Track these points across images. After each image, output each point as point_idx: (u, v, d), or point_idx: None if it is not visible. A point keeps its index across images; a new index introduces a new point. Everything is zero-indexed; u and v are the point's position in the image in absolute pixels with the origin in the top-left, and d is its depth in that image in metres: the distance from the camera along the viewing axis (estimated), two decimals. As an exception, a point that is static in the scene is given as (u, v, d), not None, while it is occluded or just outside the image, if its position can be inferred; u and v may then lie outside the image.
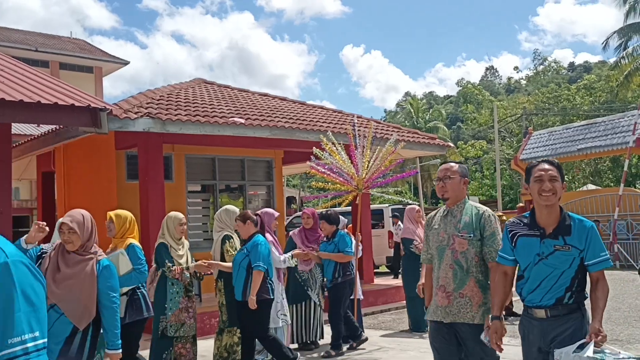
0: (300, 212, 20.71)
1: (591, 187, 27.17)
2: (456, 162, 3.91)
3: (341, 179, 7.43)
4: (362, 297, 7.84)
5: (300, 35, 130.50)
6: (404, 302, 8.74)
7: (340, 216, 7.50)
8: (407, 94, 71.34)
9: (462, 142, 45.23)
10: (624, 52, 32.22)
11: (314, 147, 7.48)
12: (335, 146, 7.42)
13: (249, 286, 5.57)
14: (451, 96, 70.28)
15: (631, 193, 18.10)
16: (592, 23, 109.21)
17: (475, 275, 3.71)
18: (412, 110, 46.97)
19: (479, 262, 3.75)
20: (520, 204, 22.33)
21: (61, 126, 8.69)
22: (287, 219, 17.70)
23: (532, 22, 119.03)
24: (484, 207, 3.93)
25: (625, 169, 18.08)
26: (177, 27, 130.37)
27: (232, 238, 6.17)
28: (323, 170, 7.42)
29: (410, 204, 8.88)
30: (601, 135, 18.68)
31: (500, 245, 3.54)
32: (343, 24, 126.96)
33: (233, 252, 5.96)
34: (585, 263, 3.11)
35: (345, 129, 9.69)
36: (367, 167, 7.44)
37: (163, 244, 5.78)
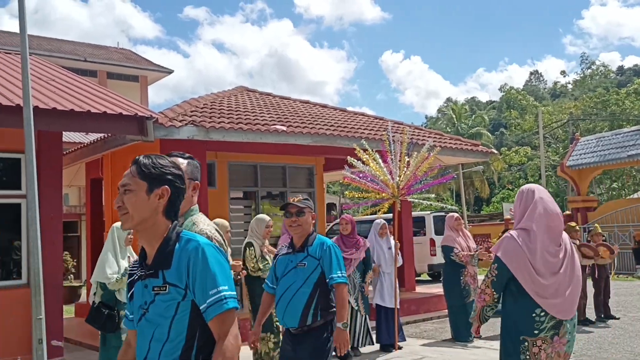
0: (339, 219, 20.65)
1: (642, 194, 26.35)
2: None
3: (377, 186, 7.44)
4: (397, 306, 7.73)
5: (339, 41, 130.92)
6: (446, 311, 8.63)
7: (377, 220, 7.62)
8: (448, 99, 70.60)
9: (506, 148, 44.43)
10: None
11: (348, 157, 7.50)
12: (367, 154, 7.45)
13: None
14: (494, 102, 69.17)
15: (684, 201, 17.44)
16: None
17: None
18: (453, 116, 46.43)
19: None
20: (567, 212, 21.78)
21: (109, 134, 8.94)
22: (328, 225, 17.72)
23: (576, 25, 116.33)
24: None
25: (678, 176, 17.42)
26: (218, 36, 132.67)
27: (253, 245, 6.26)
28: (357, 178, 7.43)
29: (451, 211, 8.80)
30: (652, 141, 18.09)
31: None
32: (382, 29, 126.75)
33: (252, 260, 6.06)
34: None
35: (383, 135, 9.68)
36: (403, 173, 7.42)
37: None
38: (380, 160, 7.45)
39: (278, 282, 3.91)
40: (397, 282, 7.76)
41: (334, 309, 3.84)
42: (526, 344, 3.24)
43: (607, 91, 40.42)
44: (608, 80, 53.86)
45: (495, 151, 14.29)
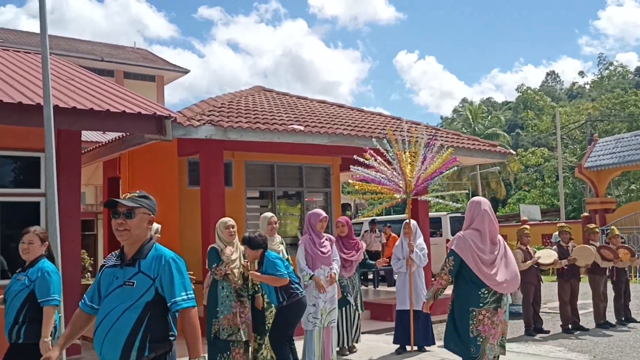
0: (355, 219, 20.57)
1: (660, 196, 25.96)
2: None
3: (387, 185, 7.41)
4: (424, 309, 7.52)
5: (354, 42, 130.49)
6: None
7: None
8: (464, 100, 70.17)
9: (522, 149, 44.06)
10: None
11: (354, 156, 7.47)
12: (379, 154, 7.43)
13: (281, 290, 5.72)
14: (509, 102, 68.62)
15: None
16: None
17: None
18: (470, 117, 46.14)
19: None
20: (585, 214, 21.53)
21: (127, 133, 8.98)
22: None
23: (592, 25, 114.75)
24: None
25: (700, 177, 17.14)
26: (233, 36, 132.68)
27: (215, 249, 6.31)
28: (366, 173, 7.39)
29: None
30: (673, 143, 17.81)
31: None
32: (397, 30, 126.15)
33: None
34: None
35: (399, 134, 9.60)
36: (413, 172, 7.38)
37: (214, 248, 5.98)
38: (391, 160, 7.44)
39: (101, 302, 3.04)
40: (412, 285, 7.59)
41: (172, 339, 3.02)
42: (474, 313, 4.55)
43: (626, 92, 39.91)
44: (626, 81, 53.18)
45: (513, 152, 14.14)
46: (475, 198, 4.91)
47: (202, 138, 8.28)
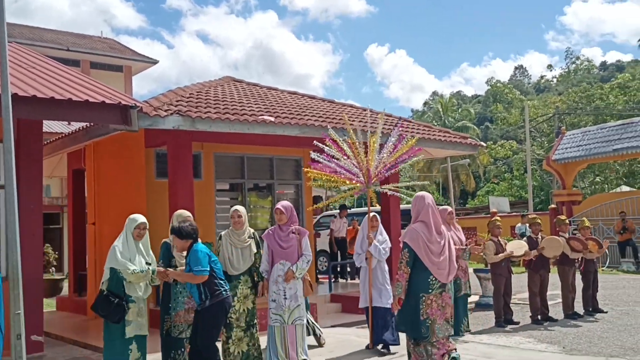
0: (326, 212, 20.45)
1: (625, 188, 26.48)
2: None
3: (343, 174, 7.09)
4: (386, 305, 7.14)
5: (325, 34, 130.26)
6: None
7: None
8: (434, 93, 70.66)
9: (491, 142, 44.58)
10: (661, 50, 31.31)
11: (315, 141, 7.27)
12: (334, 142, 7.10)
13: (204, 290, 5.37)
14: (479, 96, 69.35)
15: (669, 195, 17.54)
16: (621, 22, 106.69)
17: None
18: (440, 110, 46.46)
19: None
20: (552, 206, 21.85)
21: (92, 124, 8.70)
22: (315, 218, 17.58)
23: (558, 21, 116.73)
24: None
25: (663, 170, 17.51)
26: (202, 27, 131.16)
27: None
28: (326, 161, 7.09)
29: (442, 206, 8.64)
30: (638, 136, 18.15)
31: None
32: (367, 23, 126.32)
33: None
34: None
35: (357, 123, 9.52)
36: (371, 162, 7.06)
37: (165, 243, 5.82)
38: (347, 149, 7.09)
39: None
40: (370, 282, 7.18)
41: None
42: (424, 298, 5.15)
43: (591, 86, 40.64)
44: (591, 76, 54.16)
45: (483, 144, 14.20)
46: (419, 193, 5.42)
47: (170, 129, 8.06)
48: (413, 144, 7.23)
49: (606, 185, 32.69)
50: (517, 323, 8.76)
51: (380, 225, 7.47)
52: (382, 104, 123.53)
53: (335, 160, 7.10)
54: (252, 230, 6.54)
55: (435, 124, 43.31)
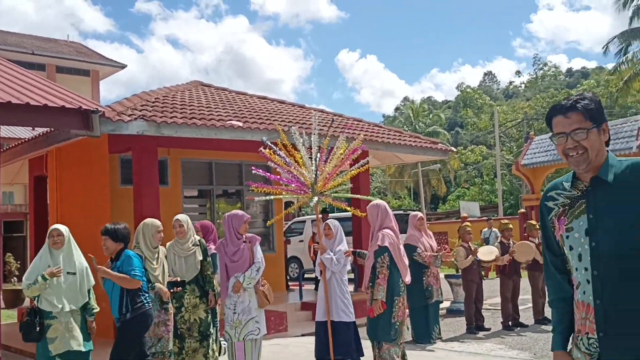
0: (298, 218, 20.30)
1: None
2: None
3: (288, 187, 6.29)
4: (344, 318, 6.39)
5: (296, 39, 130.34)
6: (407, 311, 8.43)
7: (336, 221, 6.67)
8: (405, 98, 71.15)
9: (462, 147, 45.03)
10: (624, 58, 32.06)
11: (263, 137, 6.47)
12: (280, 149, 6.09)
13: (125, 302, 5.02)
14: (449, 101, 70.09)
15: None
16: (585, 29, 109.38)
17: None
18: (411, 115, 46.74)
19: None
20: (522, 210, 22.06)
21: (52, 129, 8.40)
22: (286, 224, 17.41)
23: (525, 28, 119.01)
24: None
25: (629, 174, 17.83)
26: (172, 31, 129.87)
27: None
28: (277, 166, 6.10)
29: (413, 212, 8.56)
30: (604, 141, 18.44)
31: None
32: (339, 28, 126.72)
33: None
34: None
35: (344, 132, 9.35)
36: (316, 169, 6.01)
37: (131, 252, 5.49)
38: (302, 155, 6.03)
39: None
40: (327, 293, 6.34)
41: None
42: (396, 300, 5.56)
43: (559, 92, 41.36)
44: (558, 82, 55.21)
45: (453, 149, 14.25)
46: (376, 202, 5.74)
47: (134, 134, 7.82)
48: (358, 145, 6.15)
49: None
50: (489, 329, 8.73)
51: (341, 234, 6.60)
52: (354, 109, 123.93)
53: (283, 168, 6.15)
54: (197, 238, 6.32)
55: (406, 129, 43.53)
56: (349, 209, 6.31)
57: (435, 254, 7.95)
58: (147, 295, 5.10)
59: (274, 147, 6.07)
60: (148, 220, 5.97)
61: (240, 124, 8.97)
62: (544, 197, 2.34)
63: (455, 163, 41.77)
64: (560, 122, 2.21)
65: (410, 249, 7.96)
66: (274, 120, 9.95)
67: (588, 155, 2.15)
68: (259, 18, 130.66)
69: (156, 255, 5.67)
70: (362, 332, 6.28)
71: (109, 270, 4.97)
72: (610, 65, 35.74)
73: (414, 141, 12.06)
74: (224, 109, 9.98)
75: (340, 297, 6.37)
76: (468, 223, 10.04)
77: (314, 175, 5.95)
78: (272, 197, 6.14)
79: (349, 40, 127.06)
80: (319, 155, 5.98)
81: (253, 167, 6.43)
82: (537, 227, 9.52)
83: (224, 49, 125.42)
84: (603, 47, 34.36)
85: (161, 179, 9.26)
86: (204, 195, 11.26)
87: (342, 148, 6.05)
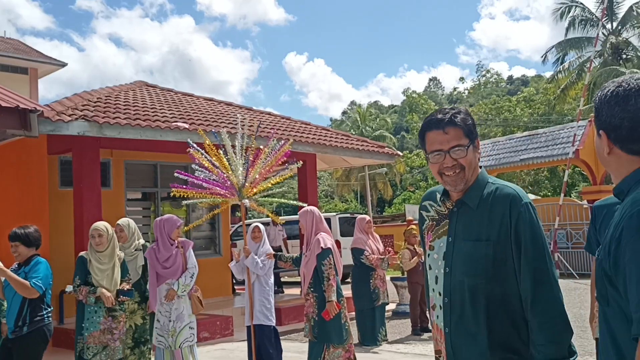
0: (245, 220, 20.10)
1: (531, 196, 27.86)
2: None
3: (213, 189, 5.91)
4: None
5: (243, 41, 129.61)
6: (354, 313, 8.48)
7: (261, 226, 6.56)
8: (352, 102, 71.83)
9: (407, 151, 45.80)
10: (561, 67, 33.39)
11: (188, 139, 6.27)
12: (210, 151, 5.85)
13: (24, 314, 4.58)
14: (395, 106, 71.18)
15: (571, 203, 18.58)
16: (525, 39, 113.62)
17: None
18: (358, 119, 47.20)
19: None
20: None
21: (-13, 128, 8.03)
22: (232, 227, 17.22)
23: (468, 36, 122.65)
24: None
25: (565, 179, 18.54)
26: (115, 30, 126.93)
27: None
28: (202, 169, 5.88)
29: (361, 215, 8.61)
30: (542, 146, 19.12)
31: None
32: (286, 31, 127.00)
33: None
34: None
35: (291, 136, 9.38)
36: (250, 172, 5.78)
37: (81, 257, 5.29)
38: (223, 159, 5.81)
39: None
40: (251, 297, 6.23)
41: None
42: (342, 301, 5.67)
43: (500, 98, 42.69)
44: (499, 89, 56.98)
45: (400, 153, 14.45)
46: (308, 208, 5.85)
47: (75, 135, 7.57)
48: (288, 149, 5.97)
49: (514, 193, 34.32)
50: (433, 330, 8.86)
51: (266, 237, 6.61)
52: (301, 113, 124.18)
53: (210, 170, 5.90)
54: (141, 242, 6.14)
55: (354, 132, 43.93)
56: (270, 214, 6.18)
57: (382, 256, 8.03)
58: (49, 310, 4.74)
59: (200, 150, 5.88)
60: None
61: (186, 125, 8.82)
62: (421, 204, 2.24)
63: (401, 167, 42.43)
64: (437, 138, 2.01)
65: (357, 252, 8.04)
66: (220, 122, 9.84)
67: (465, 174, 2.00)
68: (205, 19, 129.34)
69: (106, 260, 5.43)
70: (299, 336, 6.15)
71: (6, 270, 4.49)
72: (548, 74, 37.17)
73: (362, 145, 12.17)
74: (169, 110, 9.79)
75: (261, 301, 6.29)
76: (413, 226, 10.07)
77: (242, 179, 5.75)
78: (194, 200, 5.97)
79: (296, 43, 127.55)
80: (249, 158, 5.76)
81: (177, 171, 6.12)
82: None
83: (170, 49, 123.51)
84: (542, 56, 35.70)
85: (103, 181, 9.02)
86: (148, 198, 11.01)
87: (268, 152, 5.86)
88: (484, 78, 54.90)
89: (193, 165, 5.91)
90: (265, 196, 6.01)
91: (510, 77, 74.90)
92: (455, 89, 67.67)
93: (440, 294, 2.03)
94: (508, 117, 37.12)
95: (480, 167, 2.09)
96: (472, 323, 1.95)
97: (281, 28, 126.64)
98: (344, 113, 69.68)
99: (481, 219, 1.97)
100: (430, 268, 2.10)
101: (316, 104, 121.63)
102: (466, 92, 59.85)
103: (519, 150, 19.87)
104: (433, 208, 2.14)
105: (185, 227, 7.67)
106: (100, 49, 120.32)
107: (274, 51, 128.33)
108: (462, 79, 59.21)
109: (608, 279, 1.41)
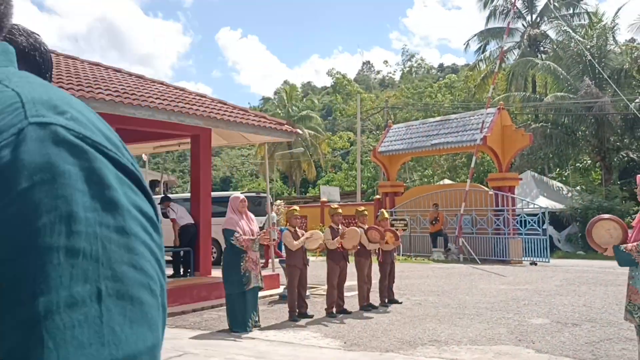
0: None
1: (447, 182, 28.25)
2: None
3: None
4: None
5: (174, 13, 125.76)
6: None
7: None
8: (285, 82, 70.97)
9: (330, 133, 45.72)
10: (482, 55, 33.96)
11: None
12: None
13: None
14: (328, 87, 70.96)
15: (477, 189, 18.79)
16: (456, 27, 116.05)
17: None
18: (285, 98, 46.57)
19: None
20: (377, 196, 22.56)
21: None
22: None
23: (402, 22, 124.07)
24: None
25: (473, 165, 18.72)
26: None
27: None
28: None
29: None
30: (453, 132, 19.22)
31: None
32: (220, 4, 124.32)
33: None
34: None
35: (179, 107, 8.74)
36: None
37: None
38: None
39: None
40: None
41: None
42: None
43: (431, 85, 43.16)
44: (430, 76, 57.67)
45: (299, 131, 14.05)
46: (236, 193, 5.51)
47: None
48: None
49: (433, 179, 34.81)
50: (312, 316, 8.54)
51: None
52: (234, 90, 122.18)
53: None
54: None
55: (280, 112, 43.32)
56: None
57: (253, 238, 7.58)
58: None
59: None
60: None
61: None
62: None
63: (326, 148, 42.28)
64: None
65: (228, 232, 7.56)
66: (150, 102, 9.05)
67: None
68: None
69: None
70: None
71: None
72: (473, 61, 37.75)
73: (258, 121, 11.62)
74: (97, 87, 8.91)
75: None
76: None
77: None
78: None
79: (230, 18, 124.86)
80: None
81: None
82: (365, 213, 9.52)
83: (97, 17, 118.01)
84: (464, 44, 36.21)
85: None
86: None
87: None
88: (409, 63, 55.45)
89: None
90: None
91: (441, 65, 76.12)
92: (388, 73, 68.19)
93: None
94: (430, 102, 37.54)
95: None
96: None
97: (214, 1, 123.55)
98: (276, 93, 68.78)
99: None
100: None
101: (249, 82, 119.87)
102: (397, 76, 60.38)
103: (430, 135, 19.91)
104: None
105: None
106: (18, 12, 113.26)
107: (206, 25, 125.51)
108: (386, 62, 59.77)
109: None
